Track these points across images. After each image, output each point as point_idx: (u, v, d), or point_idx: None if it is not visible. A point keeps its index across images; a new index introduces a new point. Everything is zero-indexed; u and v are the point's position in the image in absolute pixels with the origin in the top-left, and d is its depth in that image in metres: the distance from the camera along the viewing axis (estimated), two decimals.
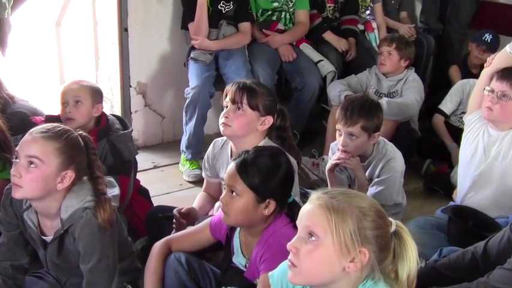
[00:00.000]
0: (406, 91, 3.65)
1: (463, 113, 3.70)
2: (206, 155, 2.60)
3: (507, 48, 2.57)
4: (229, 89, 2.38)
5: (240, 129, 2.35)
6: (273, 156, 1.99)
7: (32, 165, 1.85)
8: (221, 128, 2.38)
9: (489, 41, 4.22)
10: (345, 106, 2.69)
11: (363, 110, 2.64)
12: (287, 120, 2.47)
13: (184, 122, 3.59)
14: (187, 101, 3.50)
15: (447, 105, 3.82)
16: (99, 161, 2.02)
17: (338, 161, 2.68)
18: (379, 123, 2.69)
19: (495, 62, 2.63)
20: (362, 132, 2.63)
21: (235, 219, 1.97)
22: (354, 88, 3.68)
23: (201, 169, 3.22)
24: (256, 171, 1.92)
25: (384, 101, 3.38)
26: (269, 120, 2.38)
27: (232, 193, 1.94)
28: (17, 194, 1.89)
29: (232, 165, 1.97)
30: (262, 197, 1.93)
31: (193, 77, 3.53)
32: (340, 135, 2.66)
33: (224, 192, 1.98)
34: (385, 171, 2.69)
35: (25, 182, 1.85)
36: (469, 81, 3.81)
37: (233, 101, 2.35)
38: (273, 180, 1.94)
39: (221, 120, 2.37)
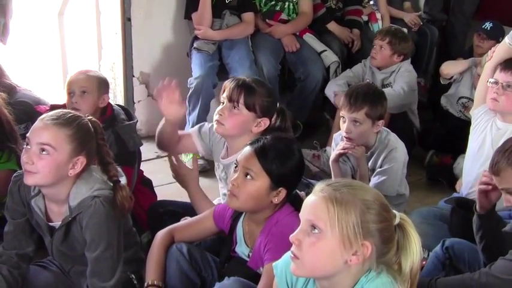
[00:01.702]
0: (396, 81, 3.60)
1: (462, 97, 3.71)
2: (207, 125, 2.49)
3: (506, 40, 2.57)
4: (228, 84, 2.29)
5: (234, 129, 2.27)
6: (289, 143, 1.99)
7: (44, 152, 1.86)
8: (214, 126, 2.31)
9: (489, 28, 4.16)
10: (349, 93, 2.69)
11: (368, 96, 2.63)
12: (287, 121, 2.34)
13: (187, 112, 3.59)
14: (190, 91, 3.50)
15: None
16: (107, 147, 2.03)
17: (343, 151, 2.67)
18: (383, 111, 2.69)
19: (496, 55, 2.63)
20: (366, 119, 2.63)
21: (243, 203, 1.95)
22: (351, 84, 3.65)
23: (204, 159, 3.25)
24: (275, 157, 1.92)
25: None
26: (265, 122, 2.28)
27: (246, 176, 1.93)
28: (29, 181, 1.90)
29: (249, 149, 1.95)
30: (276, 183, 1.92)
31: (197, 67, 3.53)
32: (344, 122, 2.66)
33: (235, 174, 1.95)
34: (387, 161, 2.68)
35: (37, 169, 1.86)
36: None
37: (230, 99, 2.26)
38: (288, 167, 1.93)
39: (215, 117, 2.30)
